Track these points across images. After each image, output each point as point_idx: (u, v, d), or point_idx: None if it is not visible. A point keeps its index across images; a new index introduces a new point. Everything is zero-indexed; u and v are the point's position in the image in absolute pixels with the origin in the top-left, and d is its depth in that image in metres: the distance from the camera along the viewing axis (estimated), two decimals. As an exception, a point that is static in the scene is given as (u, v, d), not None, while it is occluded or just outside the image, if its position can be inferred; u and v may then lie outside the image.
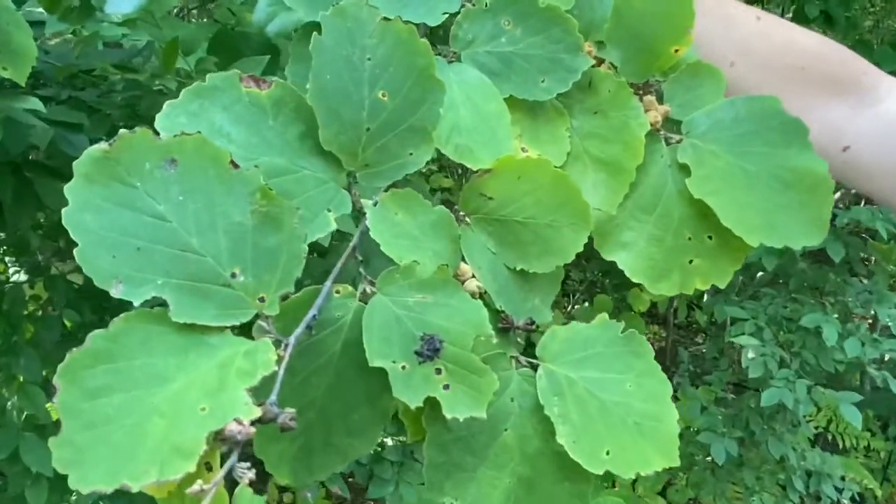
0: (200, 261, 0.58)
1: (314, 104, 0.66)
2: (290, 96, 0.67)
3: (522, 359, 0.76)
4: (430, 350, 0.66)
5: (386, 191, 0.73)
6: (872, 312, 2.95)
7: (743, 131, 0.86)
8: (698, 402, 3.00)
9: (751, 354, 2.79)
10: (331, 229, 0.66)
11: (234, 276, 0.54)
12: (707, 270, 0.86)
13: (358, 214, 0.72)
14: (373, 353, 0.65)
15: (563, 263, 0.80)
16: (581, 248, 0.80)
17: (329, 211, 0.67)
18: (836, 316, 3.01)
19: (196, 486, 0.48)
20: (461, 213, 0.78)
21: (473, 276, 0.75)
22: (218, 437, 0.47)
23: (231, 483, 0.51)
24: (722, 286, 0.87)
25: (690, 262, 0.85)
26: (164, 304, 0.57)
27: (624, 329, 0.77)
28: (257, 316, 0.55)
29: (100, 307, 1.71)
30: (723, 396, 3.24)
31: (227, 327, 0.58)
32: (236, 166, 0.59)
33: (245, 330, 0.61)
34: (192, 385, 0.54)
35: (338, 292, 0.69)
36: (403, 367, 0.66)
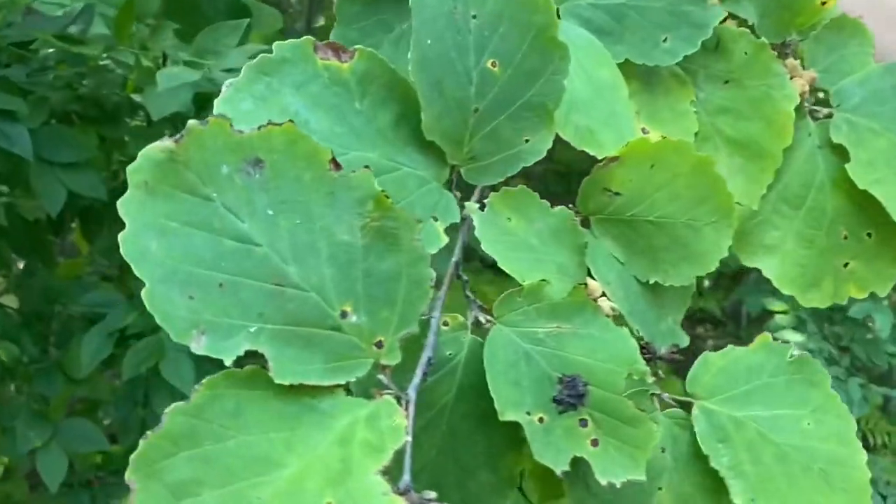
0: (302, 297, 0.46)
1: (416, 78, 0.54)
2: (380, 70, 0.55)
3: (667, 397, 0.65)
4: (572, 396, 0.55)
5: (495, 189, 0.61)
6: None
7: (904, 104, 0.74)
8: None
9: (796, 352, 2.70)
10: (440, 244, 0.54)
11: (344, 315, 0.43)
12: (864, 275, 0.75)
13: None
14: (503, 402, 0.53)
15: (703, 273, 0.68)
16: (726, 253, 0.68)
17: (435, 219, 0.55)
18: (886, 303, 2.93)
19: None
20: (580, 214, 0.66)
21: (604, 295, 0.63)
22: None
23: None
24: (882, 294, 0.76)
25: (846, 265, 0.74)
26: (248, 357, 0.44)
27: (790, 353, 0.65)
28: (375, 367, 0.42)
29: (42, 337, 1.51)
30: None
31: (338, 386, 0.46)
32: (338, 167, 0.46)
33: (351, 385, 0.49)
34: (309, 471, 0.42)
35: (446, 324, 0.57)
36: (541, 420, 0.54)
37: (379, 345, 0.48)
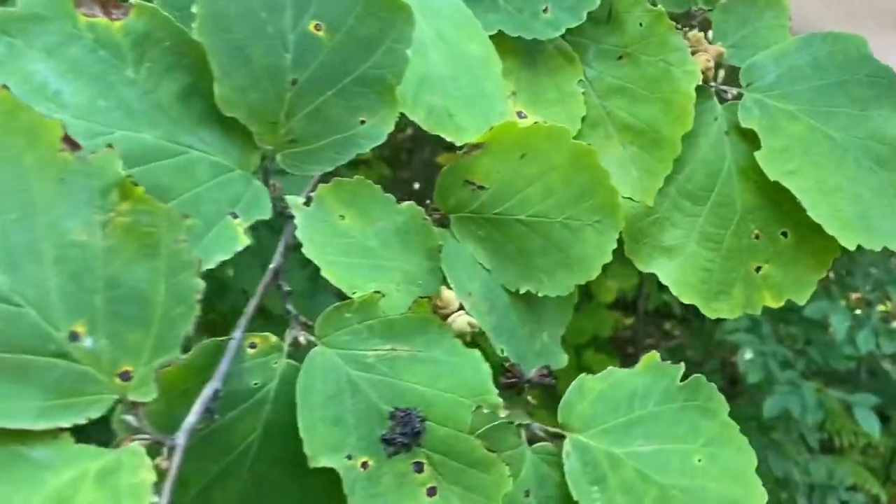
0: (13, 313, 0.39)
1: (206, 40, 0.47)
2: (164, 30, 0.48)
3: (538, 427, 0.60)
4: (406, 434, 0.50)
5: (325, 181, 0.55)
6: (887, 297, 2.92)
7: (824, 83, 0.71)
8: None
9: (748, 355, 2.70)
10: (237, 246, 0.48)
11: (74, 337, 0.40)
12: (780, 280, 0.71)
13: (281, 217, 0.54)
14: (315, 445, 0.48)
15: (584, 281, 0.64)
16: (609, 258, 0.64)
17: (234, 216, 0.48)
18: (844, 303, 2.97)
19: None
20: (438, 211, 0.61)
21: (461, 309, 0.58)
22: None
23: None
24: (801, 302, 0.72)
25: (758, 269, 0.70)
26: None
27: (682, 375, 0.61)
28: (119, 404, 0.42)
29: None
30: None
31: (63, 429, 0.40)
32: (74, 146, 0.39)
33: (98, 426, 0.42)
34: None
35: (253, 346, 0.51)
36: (364, 465, 0.49)
37: (125, 376, 0.42)
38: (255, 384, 0.51)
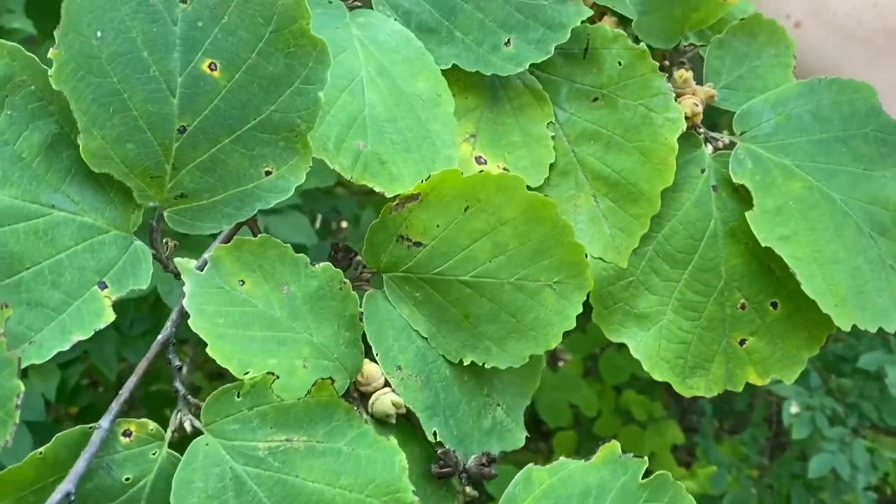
0: None
1: (68, 87, 0.43)
2: (27, 71, 0.44)
3: (476, 524, 0.54)
4: (297, 542, 0.44)
5: (229, 239, 0.51)
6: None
7: (827, 136, 0.65)
8: (725, 468, 2.80)
9: (794, 409, 2.59)
10: (101, 323, 0.43)
11: None
12: (767, 355, 0.65)
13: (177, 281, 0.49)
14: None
15: (542, 351, 0.58)
16: (572, 324, 0.58)
17: (102, 286, 0.44)
18: (901, 353, 2.84)
19: None
20: (367, 270, 0.56)
21: (387, 385, 0.53)
22: None
23: None
24: (789, 381, 0.65)
25: (742, 342, 0.64)
26: None
27: (642, 470, 0.55)
28: None
29: None
30: (758, 461, 3.05)
31: None
32: None
33: None
34: None
35: (128, 434, 0.46)
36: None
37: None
38: (127, 479, 0.46)
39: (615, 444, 0.55)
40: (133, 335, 1.24)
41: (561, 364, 2.74)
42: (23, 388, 0.38)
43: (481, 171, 0.57)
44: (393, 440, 0.48)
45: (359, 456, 0.47)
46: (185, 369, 0.42)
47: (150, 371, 0.49)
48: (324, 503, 0.45)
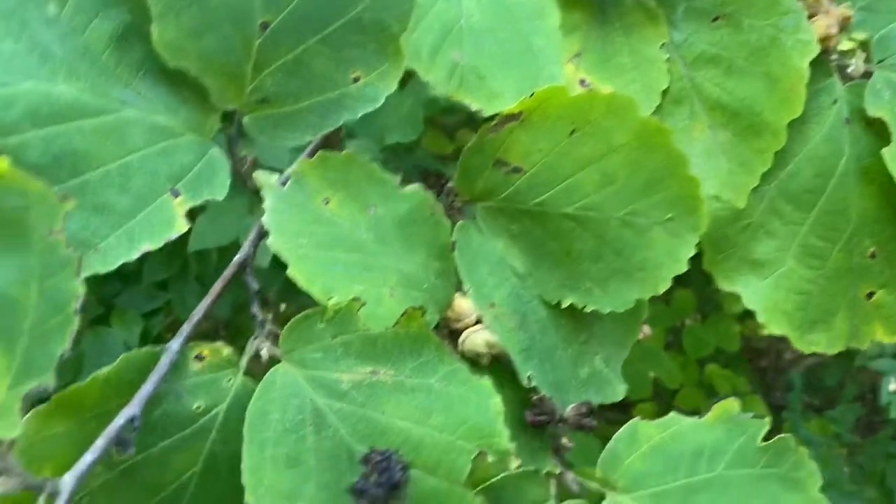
0: None
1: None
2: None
3: (573, 479, 0.50)
4: (381, 485, 0.41)
5: (311, 154, 0.47)
6: None
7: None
8: (814, 447, 2.71)
9: (893, 386, 2.50)
10: (171, 233, 0.40)
11: None
12: (898, 311, 0.59)
13: (253, 199, 0.46)
14: (260, 493, 0.40)
15: (649, 295, 0.53)
16: (684, 267, 0.53)
17: (175, 194, 0.40)
18: None
19: None
20: (460, 198, 0.52)
21: (479, 323, 0.49)
22: None
23: None
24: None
25: (870, 295, 0.58)
26: None
27: (766, 432, 0.50)
28: None
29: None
30: (849, 439, 2.94)
31: None
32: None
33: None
34: None
35: (200, 359, 0.43)
36: (325, 522, 0.40)
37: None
38: (198, 408, 0.43)
39: (733, 402, 0.51)
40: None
41: (641, 338, 2.67)
42: (83, 291, 0.34)
43: (590, 91, 0.52)
44: (487, 380, 0.43)
45: (450, 395, 0.43)
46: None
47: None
48: (411, 443, 0.42)
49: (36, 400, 0.36)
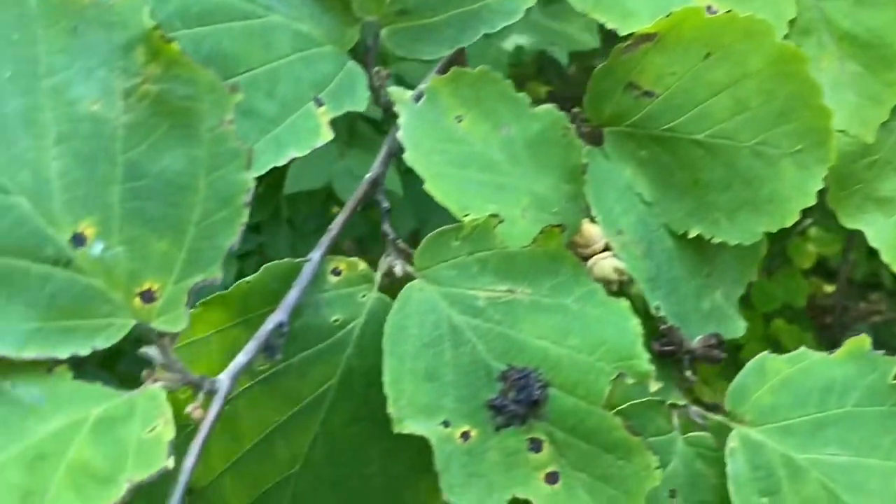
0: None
1: None
2: None
3: (696, 412, 0.49)
4: (520, 402, 0.41)
5: (442, 71, 0.46)
6: None
7: None
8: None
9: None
10: (317, 141, 0.40)
11: (79, 241, 0.34)
12: None
13: (384, 116, 0.46)
14: (402, 404, 0.40)
15: (775, 229, 0.52)
16: (812, 200, 0.52)
17: (318, 103, 0.40)
18: None
19: None
20: (587, 124, 0.51)
21: (607, 249, 0.48)
22: None
23: None
24: None
25: None
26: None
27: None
28: (136, 331, 0.35)
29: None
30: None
31: (59, 362, 0.33)
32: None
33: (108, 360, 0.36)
34: None
35: (337, 273, 0.43)
36: (465, 436, 0.41)
37: (147, 296, 0.35)
38: (336, 321, 0.43)
39: (864, 338, 0.50)
40: (306, 231, 1.26)
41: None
42: (253, 184, 0.34)
43: (729, 12, 0.50)
44: (625, 301, 0.43)
45: (588, 315, 0.42)
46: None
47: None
48: (549, 362, 0.41)
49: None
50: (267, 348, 0.39)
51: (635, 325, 0.43)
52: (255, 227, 1.27)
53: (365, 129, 1.27)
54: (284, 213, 1.29)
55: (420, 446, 0.44)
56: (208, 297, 0.40)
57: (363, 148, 1.24)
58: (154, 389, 0.34)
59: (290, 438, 0.43)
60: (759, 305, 2.04)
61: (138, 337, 0.35)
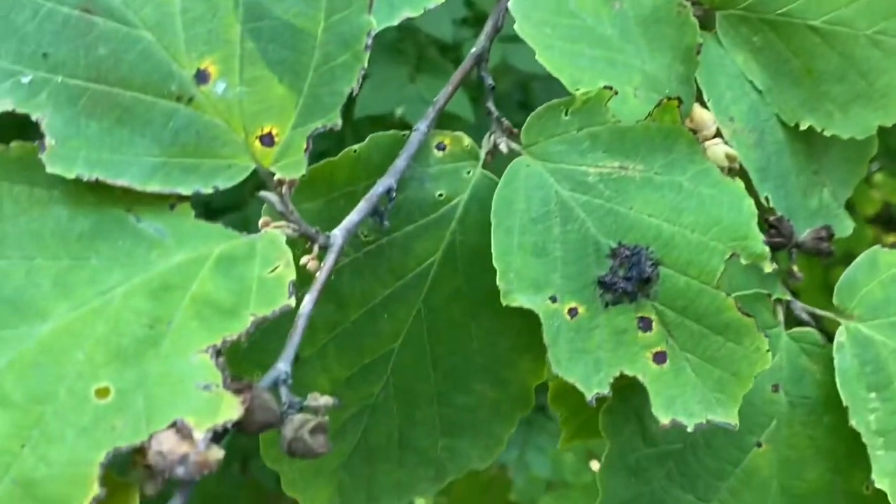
0: (126, 37, 0.33)
1: None
2: None
3: (800, 307, 0.48)
4: (630, 280, 0.41)
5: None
6: None
7: None
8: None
9: None
10: (429, 3, 0.39)
11: (202, 77, 0.34)
12: None
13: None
14: (511, 277, 0.40)
15: (890, 123, 0.51)
16: (931, 94, 0.50)
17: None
18: None
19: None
20: (699, 6, 0.49)
21: (719, 135, 0.47)
22: (139, 459, 0.29)
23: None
24: None
25: None
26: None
27: None
28: (254, 175, 0.36)
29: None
30: None
31: (182, 198, 0.33)
32: None
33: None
34: (83, 331, 0.30)
35: (441, 147, 0.42)
36: (572, 312, 0.40)
37: (267, 139, 0.34)
38: (440, 196, 0.43)
39: None
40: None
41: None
42: (374, 24, 0.34)
43: None
44: (740, 182, 0.42)
45: (702, 194, 0.41)
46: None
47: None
48: (661, 240, 0.41)
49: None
50: (375, 213, 0.38)
51: (750, 205, 0.42)
52: (321, 155, 1.27)
53: (434, 55, 1.26)
54: (349, 140, 1.28)
55: (521, 327, 0.44)
56: (317, 165, 0.40)
57: (432, 73, 1.23)
58: (274, 233, 0.34)
59: (393, 313, 0.43)
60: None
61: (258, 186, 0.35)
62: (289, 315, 0.33)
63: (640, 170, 0.42)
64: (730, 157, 0.47)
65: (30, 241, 0.31)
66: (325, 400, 0.30)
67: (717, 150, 0.47)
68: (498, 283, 0.39)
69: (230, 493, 1.50)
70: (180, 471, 0.26)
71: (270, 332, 0.35)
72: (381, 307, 0.43)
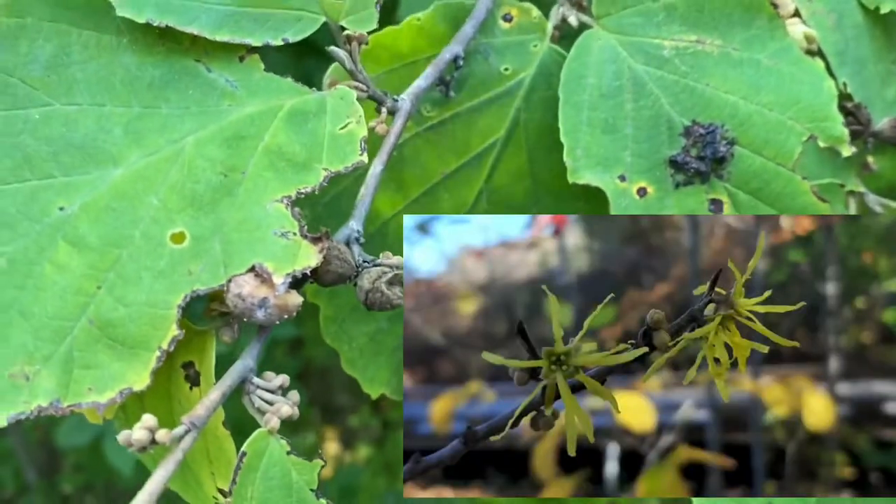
0: None
1: None
2: None
3: (874, 199, 0.48)
4: (703, 159, 0.40)
5: None
6: None
7: None
8: None
9: None
10: None
11: None
12: None
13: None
14: (578, 154, 0.39)
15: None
16: None
17: None
18: None
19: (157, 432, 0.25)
20: None
21: (797, 15, 0.45)
22: (215, 307, 0.30)
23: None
24: None
25: None
26: None
27: None
28: (325, 28, 0.36)
29: None
30: None
31: (252, 49, 0.33)
32: None
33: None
34: (156, 177, 0.30)
35: (508, 19, 0.41)
36: (641, 192, 0.39)
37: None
38: (506, 69, 0.42)
39: None
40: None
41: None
42: None
43: None
44: (821, 62, 0.41)
45: (781, 72, 0.40)
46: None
47: None
48: (737, 119, 0.40)
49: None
50: (441, 83, 0.38)
51: (831, 86, 0.41)
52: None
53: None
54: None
55: (584, 211, 0.43)
56: (379, 32, 0.39)
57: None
58: (345, 89, 0.34)
59: (455, 192, 0.43)
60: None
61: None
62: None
63: (718, 45, 0.40)
64: (808, 38, 0.45)
65: (99, 88, 0.31)
66: (396, 259, 0.30)
67: (796, 30, 0.45)
68: (565, 159, 0.39)
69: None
70: (259, 314, 0.26)
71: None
72: (441, 186, 0.43)
